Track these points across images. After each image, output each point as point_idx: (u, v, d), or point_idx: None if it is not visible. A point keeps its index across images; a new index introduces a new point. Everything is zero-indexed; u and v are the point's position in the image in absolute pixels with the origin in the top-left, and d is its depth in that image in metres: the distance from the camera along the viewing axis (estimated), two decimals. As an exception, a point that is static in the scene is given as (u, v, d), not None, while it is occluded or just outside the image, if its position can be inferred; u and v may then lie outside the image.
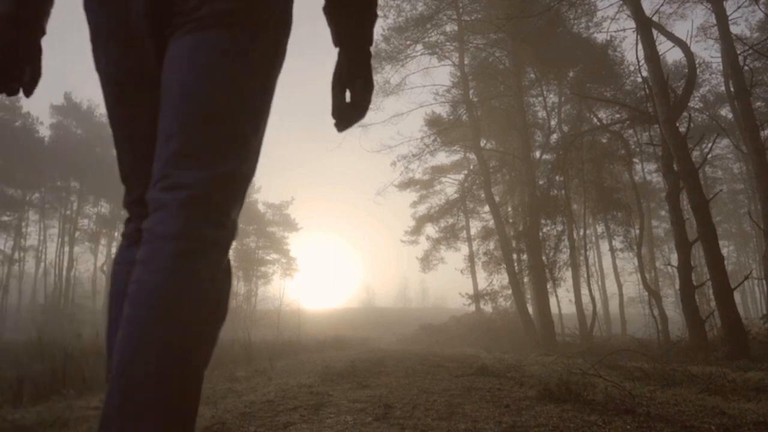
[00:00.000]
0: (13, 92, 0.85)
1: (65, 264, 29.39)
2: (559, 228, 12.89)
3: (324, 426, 2.21)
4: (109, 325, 0.78)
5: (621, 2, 10.61)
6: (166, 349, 0.61)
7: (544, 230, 12.46)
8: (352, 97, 0.91)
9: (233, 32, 0.72)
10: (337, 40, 0.92)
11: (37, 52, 0.86)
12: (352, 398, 3.06)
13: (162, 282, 0.63)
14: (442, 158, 22.66)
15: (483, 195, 16.09)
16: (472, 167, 19.98)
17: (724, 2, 9.43)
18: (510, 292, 14.92)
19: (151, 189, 0.70)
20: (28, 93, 0.88)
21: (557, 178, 12.68)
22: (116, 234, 33.06)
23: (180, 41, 0.73)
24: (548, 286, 12.29)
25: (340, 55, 0.92)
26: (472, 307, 18.97)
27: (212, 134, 0.70)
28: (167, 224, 0.66)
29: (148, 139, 0.78)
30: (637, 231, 13.19)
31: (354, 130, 15.96)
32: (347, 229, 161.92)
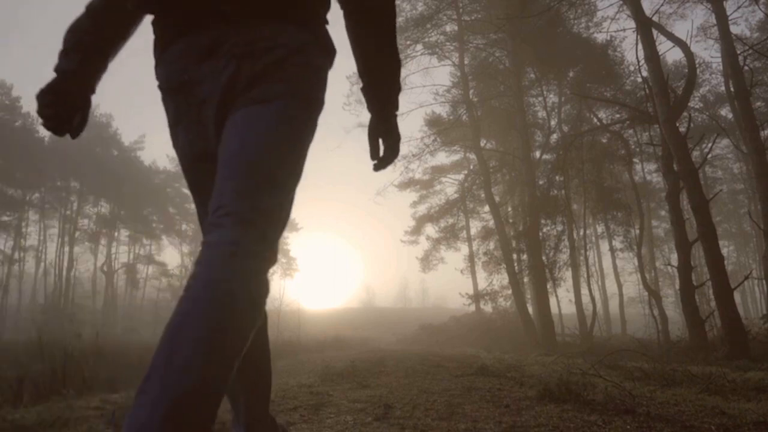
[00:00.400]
0: (62, 134, 1.07)
1: (65, 264, 29.41)
2: (559, 228, 12.89)
3: (324, 426, 2.21)
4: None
5: (621, 2, 10.61)
6: (206, 321, 0.72)
7: (544, 230, 12.45)
8: (384, 145, 1.20)
9: (280, 105, 0.93)
10: (371, 110, 1.20)
11: (88, 104, 1.09)
12: (352, 398, 3.06)
13: (210, 274, 0.77)
14: (442, 158, 22.70)
15: (483, 195, 16.08)
16: (472, 167, 19.98)
17: (724, 2, 9.43)
18: (510, 292, 14.92)
19: (210, 216, 0.85)
20: (75, 136, 1.11)
21: (557, 178, 12.67)
22: (116, 234, 33.11)
23: (238, 111, 0.93)
24: (548, 286, 12.29)
25: (373, 116, 1.20)
26: (472, 307, 18.97)
27: (260, 178, 0.87)
28: (221, 235, 0.81)
29: None
30: (637, 231, 13.19)
31: (354, 131, 15.99)
32: (347, 229, 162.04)
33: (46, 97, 1.02)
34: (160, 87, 1.03)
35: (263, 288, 0.82)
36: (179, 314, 0.73)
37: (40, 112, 1.03)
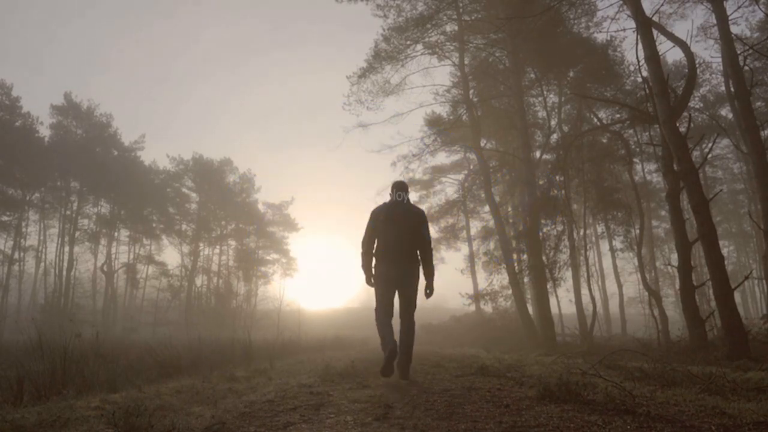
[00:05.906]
0: None
1: (65, 264, 29.35)
2: (559, 228, 12.88)
3: (324, 426, 2.21)
4: (384, 327, 4.34)
5: (621, 2, 10.59)
6: (411, 338, 4.35)
7: (544, 230, 12.45)
8: (428, 290, 4.58)
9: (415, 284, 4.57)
10: (426, 280, 4.58)
11: None
12: (352, 398, 3.06)
13: (411, 327, 4.41)
14: (442, 158, 22.67)
15: (483, 195, 16.08)
16: (472, 167, 19.98)
17: (724, 2, 9.42)
18: (510, 292, 14.92)
19: (402, 315, 4.50)
20: None
21: (557, 178, 12.67)
22: (116, 234, 33.07)
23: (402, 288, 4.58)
24: (548, 286, 12.29)
25: (426, 280, 4.58)
26: (472, 307, 18.97)
27: (413, 301, 4.51)
28: (408, 319, 4.44)
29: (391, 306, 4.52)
30: (637, 231, 13.18)
31: (355, 131, 15.98)
32: (348, 229, 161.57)
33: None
34: (378, 260, 4.53)
35: (414, 326, 4.45)
36: (405, 333, 4.31)
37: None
